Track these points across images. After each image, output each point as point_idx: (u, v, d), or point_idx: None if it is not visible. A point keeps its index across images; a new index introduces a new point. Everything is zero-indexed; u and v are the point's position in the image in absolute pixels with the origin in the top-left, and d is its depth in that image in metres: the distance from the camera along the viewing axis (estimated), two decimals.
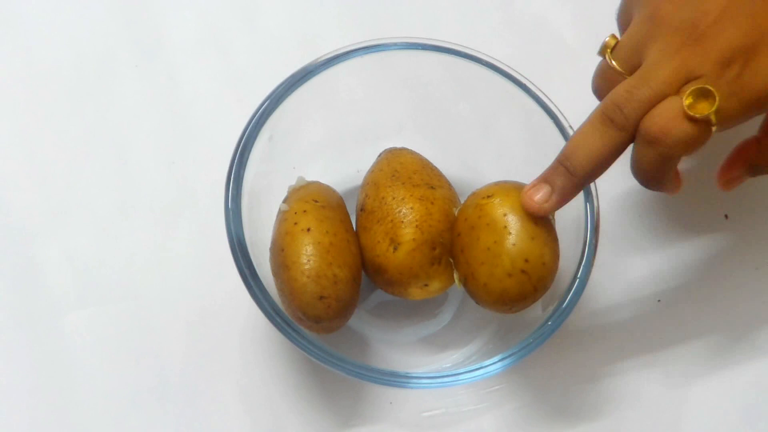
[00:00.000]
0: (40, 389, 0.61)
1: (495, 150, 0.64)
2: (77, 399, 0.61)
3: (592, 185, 0.57)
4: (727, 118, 0.48)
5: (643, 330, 0.65)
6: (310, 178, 0.61)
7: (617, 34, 0.54)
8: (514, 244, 0.53)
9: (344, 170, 0.64)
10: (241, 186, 0.56)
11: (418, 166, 0.60)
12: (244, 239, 0.55)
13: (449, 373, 0.55)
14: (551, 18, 0.74)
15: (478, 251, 0.54)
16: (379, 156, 0.63)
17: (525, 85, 0.59)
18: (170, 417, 0.61)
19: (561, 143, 0.58)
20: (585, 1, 0.75)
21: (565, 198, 0.52)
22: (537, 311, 0.57)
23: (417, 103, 0.64)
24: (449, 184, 0.61)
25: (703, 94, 0.47)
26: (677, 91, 0.49)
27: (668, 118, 0.48)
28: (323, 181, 0.61)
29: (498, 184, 0.57)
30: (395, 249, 0.56)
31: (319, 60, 0.58)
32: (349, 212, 0.60)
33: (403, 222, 0.57)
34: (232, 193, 0.56)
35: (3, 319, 0.62)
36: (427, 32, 0.60)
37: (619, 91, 0.50)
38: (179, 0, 0.72)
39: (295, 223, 0.55)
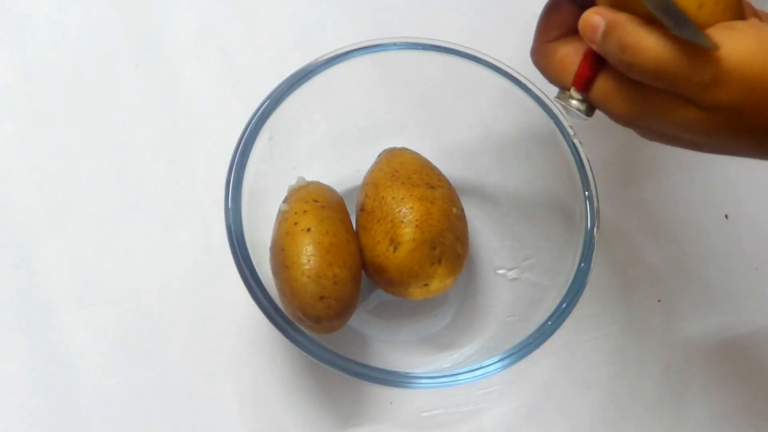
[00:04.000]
0: (40, 389, 0.61)
1: (495, 150, 0.64)
2: (77, 399, 0.61)
3: (591, 186, 0.57)
4: None
5: (643, 330, 0.65)
6: (310, 178, 0.61)
7: None
8: None
9: (344, 170, 0.64)
10: (241, 186, 0.56)
11: (418, 166, 0.60)
12: (244, 239, 0.55)
13: (449, 373, 0.55)
14: None
15: None
16: (379, 156, 0.63)
17: (525, 85, 0.59)
18: (170, 417, 0.61)
19: (561, 143, 0.58)
20: None
21: None
22: (537, 311, 0.57)
23: (417, 103, 0.64)
24: (449, 184, 0.61)
25: None
26: None
27: None
28: (323, 181, 0.61)
29: None
30: (395, 249, 0.56)
31: (319, 60, 0.58)
32: (349, 212, 0.60)
33: (403, 222, 0.57)
34: (232, 193, 0.56)
35: (3, 319, 0.62)
36: (427, 32, 0.60)
37: None
38: (179, 0, 0.72)
39: (295, 223, 0.55)
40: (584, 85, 0.45)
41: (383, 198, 0.58)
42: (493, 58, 0.60)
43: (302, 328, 0.55)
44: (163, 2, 0.72)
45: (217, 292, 0.63)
